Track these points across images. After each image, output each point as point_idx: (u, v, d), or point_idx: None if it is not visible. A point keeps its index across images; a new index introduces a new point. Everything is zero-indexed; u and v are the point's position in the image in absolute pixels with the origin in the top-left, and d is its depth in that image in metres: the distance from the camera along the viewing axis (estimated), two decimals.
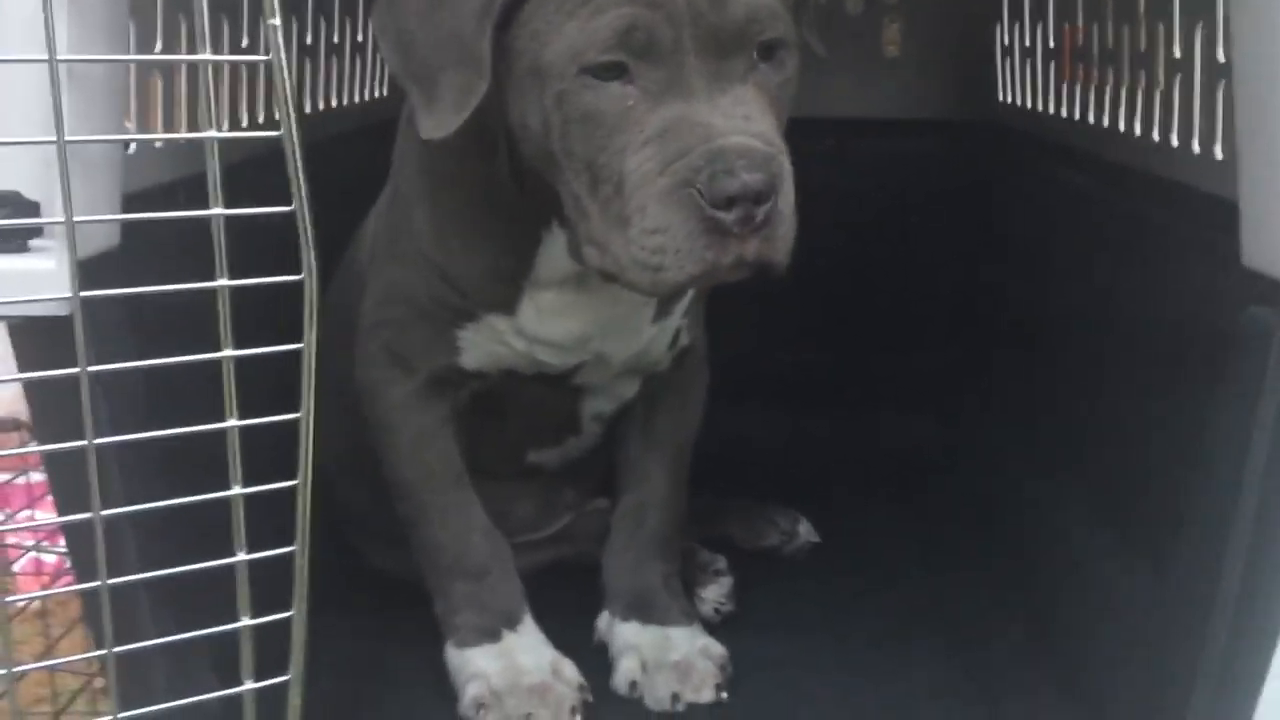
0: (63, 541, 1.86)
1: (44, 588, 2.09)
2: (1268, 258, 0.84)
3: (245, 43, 1.31)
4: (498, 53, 1.00)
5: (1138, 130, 1.26)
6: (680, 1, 0.96)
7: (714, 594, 1.36)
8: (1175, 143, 1.15)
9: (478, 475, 1.26)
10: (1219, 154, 1.04)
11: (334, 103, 1.66)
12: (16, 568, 2.21)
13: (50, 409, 0.86)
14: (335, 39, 1.65)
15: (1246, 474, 0.80)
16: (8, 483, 1.82)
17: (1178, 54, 1.15)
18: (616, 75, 0.97)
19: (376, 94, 1.82)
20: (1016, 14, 1.72)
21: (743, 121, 0.96)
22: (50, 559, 2.14)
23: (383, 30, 1.05)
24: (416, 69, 1.03)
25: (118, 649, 0.80)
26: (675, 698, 1.18)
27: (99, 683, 1.58)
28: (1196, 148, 1.09)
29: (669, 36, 0.96)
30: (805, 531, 1.55)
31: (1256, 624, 0.83)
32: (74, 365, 0.77)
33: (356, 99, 1.74)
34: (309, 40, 1.56)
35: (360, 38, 1.74)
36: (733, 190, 0.93)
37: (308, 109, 1.57)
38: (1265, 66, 0.83)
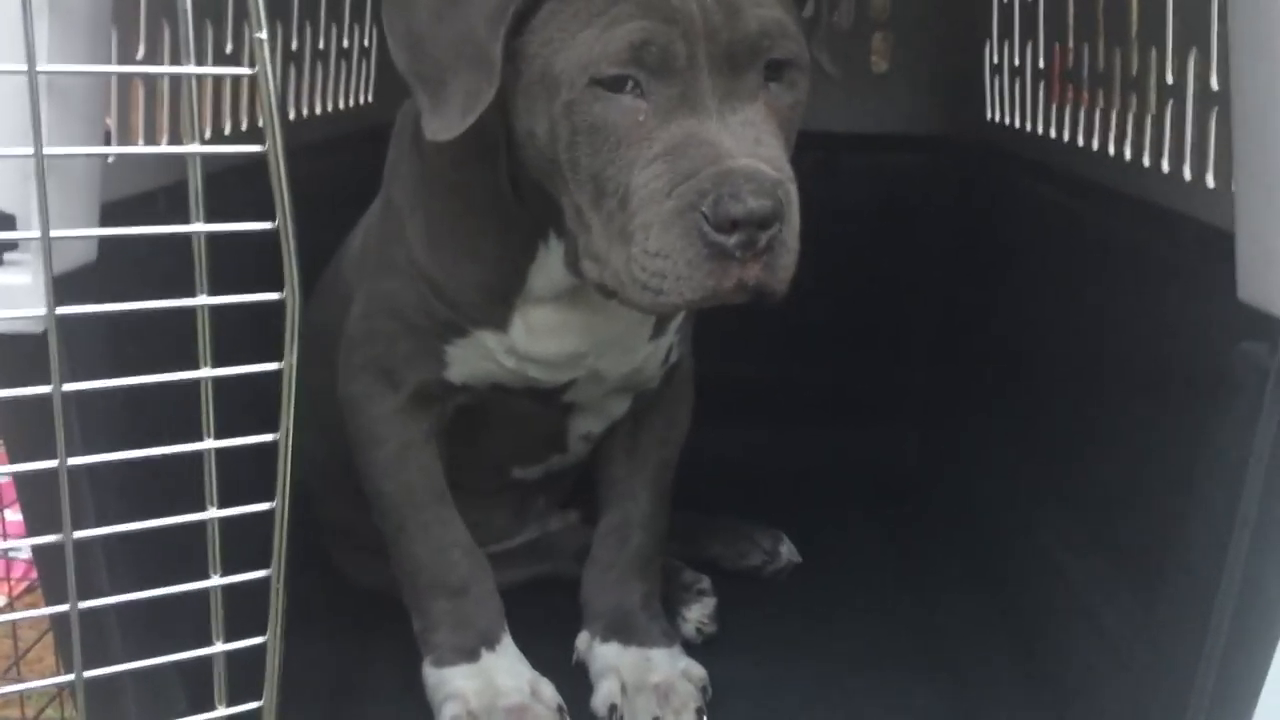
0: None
1: (11, 591, 2.05)
2: (1264, 292, 0.83)
3: (230, 48, 1.29)
4: (507, 57, 0.99)
5: (1128, 154, 1.25)
6: (696, 17, 0.95)
7: (697, 614, 1.35)
8: (1166, 169, 1.14)
9: (457, 489, 1.25)
10: (1210, 182, 1.04)
11: (319, 109, 1.64)
12: None
13: (22, 426, 0.84)
14: (321, 45, 1.64)
15: (1240, 508, 0.80)
16: None
17: (1170, 79, 1.15)
18: (628, 88, 0.96)
19: (363, 100, 1.80)
20: (1006, 33, 1.71)
21: (752, 144, 0.95)
22: (23, 557, 2.11)
23: (392, 28, 1.03)
24: (425, 69, 1.01)
25: (87, 674, 0.78)
26: None
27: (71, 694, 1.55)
28: (1188, 174, 1.09)
29: (683, 52, 0.95)
30: (787, 552, 1.54)
31: (1248, 656, 0.83)
32: (48, 382, 0.75)
33: (343, 105, 1.72)
34: (294, 47, 1.55)
35: (346, 44, 1.73)
36: (738, 214, 0.92)
37: (292, 115, 1.55)
38: (1264, 96, 0.82)
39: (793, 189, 0.96)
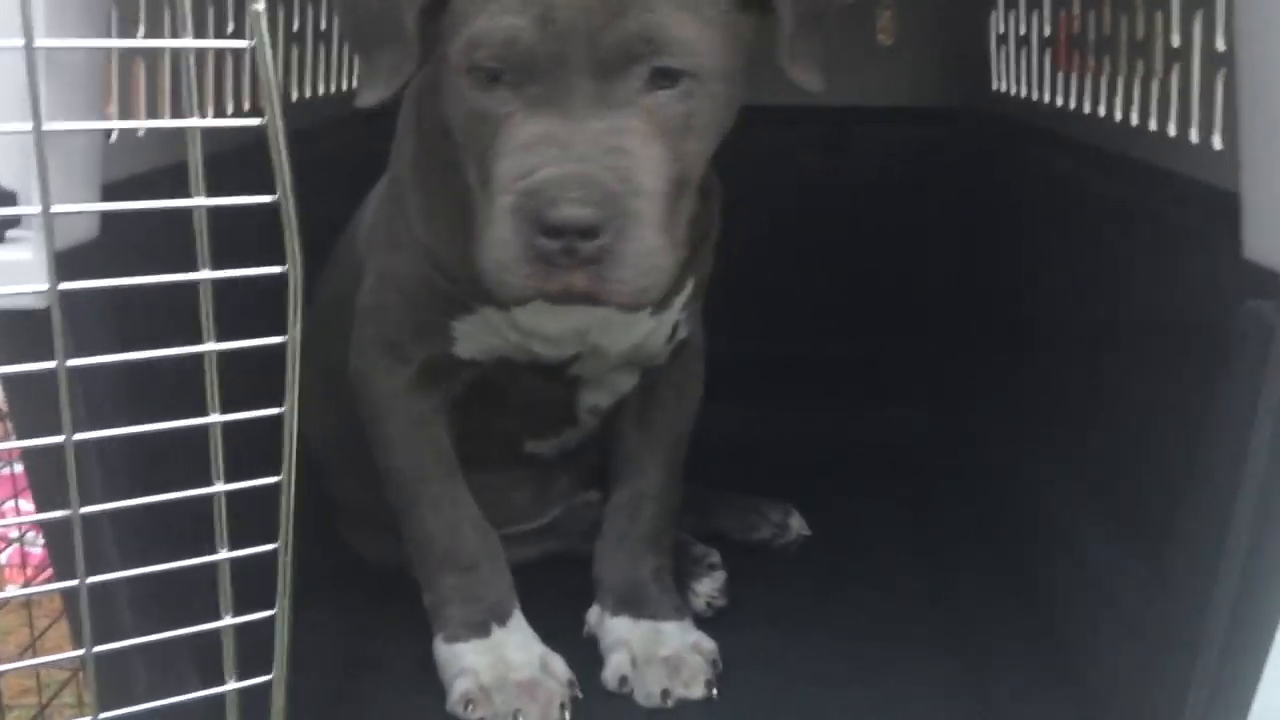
0: None
1: (29, 580, 2.07)
2: (1270, 250, 0.82)
3: (231, 29, 1.29)
4: (436, 37, 1.01)
5: (1134, 119, 1.24)
6: (576, 15, 0.94)
7: (707, 588, 1.35)
8: (1173, 132, 1.13)
9: (474, 465, 1.25)
10: (1217, 144, 1.03)
11: (321, 90, 1.63)
12: (2, 559, 2.19)
13: (28, 403, 0.85)
14: (323, 25, 1.63)
15: (1247, 466, 0.79)
16: None
17: (1176, 43, 1.14)
18: (503, 79, 0.97)
19: None
20: (1011, 2, 1.70)
21: (605, 151, 0.94)
22: (36, 550, 2.13)
23: None
24: (358, 40, 1.07)
25: (97, 649, 0.79)
26: (666, 693, 1.17)
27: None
28: (1195, 137, 1.08)
29: (550, 52, 0.95)
30: (797, 525, 1.54)
31: (1255, 616, 0.82)
32: (52, 359, 0.76)
33: (345, 86, 1.72)
34: (295, 27, 1.54)
35: None
36: (555, 221, 0.92)
37: (294, 96, 1.55)
38: (1268, 56, 0.81)
39: (641, 203, 0.95)
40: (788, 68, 1.04)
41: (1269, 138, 0.80)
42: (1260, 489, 0.80)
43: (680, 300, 1.23)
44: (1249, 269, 0.85)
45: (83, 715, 0.82)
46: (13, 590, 1.51)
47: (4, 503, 1.86)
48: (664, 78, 0.97)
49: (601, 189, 0.93)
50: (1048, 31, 1.56)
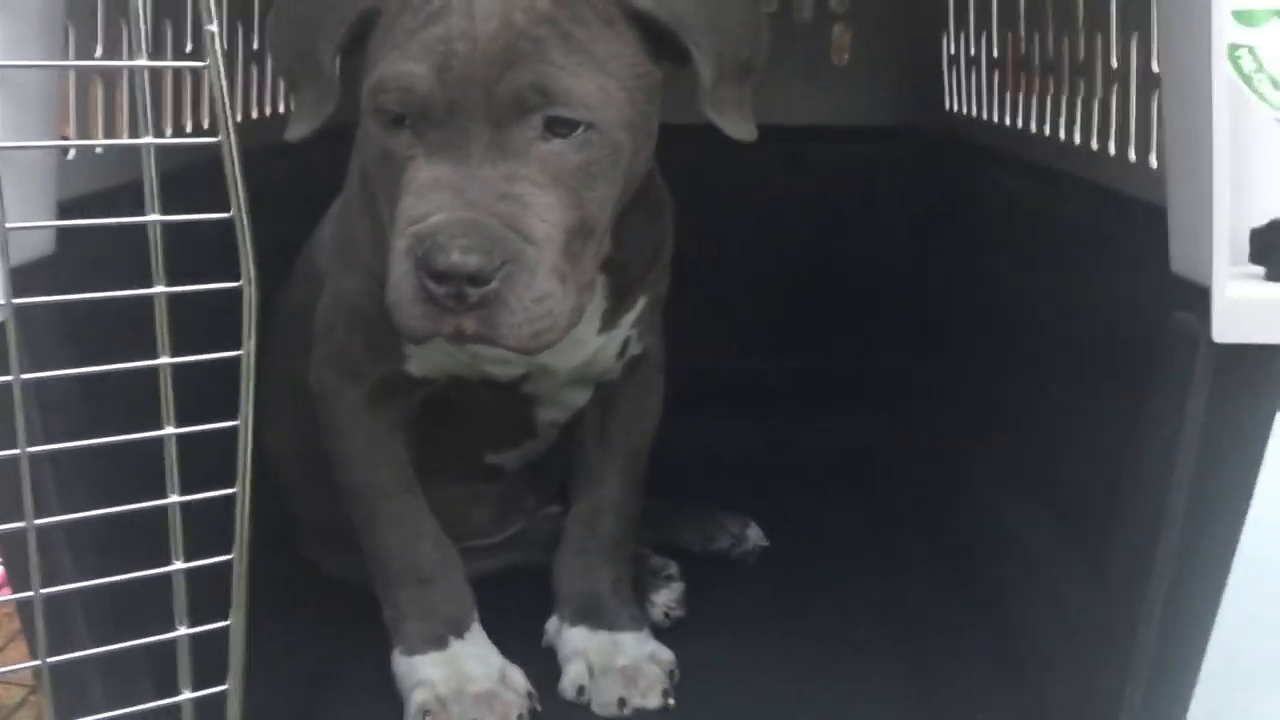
0: None
1: None
2: (1192, 265, 0.85)
3: (190, 48, 1.30)
4: (357, 74, 1.04)
5: (1077, 138, 1.28)
6: (474, 66, 0.96)
7: (665, 599, 1.37)
8: (1113, 151, 1.17)
9: (435, 477, 1.27)
10: (1153, 162, 1.06)
11: (281, 108, 1.65)
12: None
13: None
14: None
15: (1177, 469, 0.82)
16: None
17: (1114, 64, 1.17)
18: (406, 123, 0.99)
19: None
20: (962, 23, 1.74)
21: (496, 198, 0.96)
22: None
23: (270, 35, 1.12)
24: (286, 76, 1.10)
25: (51, 659, 0.80)
26: (622, 702, 1.18)
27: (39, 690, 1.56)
28: (1133, 155, 1.11)
29: (446, 99, 0.97)
30: (755, 535, 1.55)
31: (1190, 613, 0.85)
32: (6, 373, 0.76)
33: None
34: (255, 46, 1.56)
35: None
36: (441, 267, 0.94)
37: (254, 114, 1.56)
38: (1187, 75, 0.84)
39: (529, 250, 0.96)
40: (714, 118, 1.05)
41: (1189, 154, 0.83)
42: (1189, 492, 0.82)
43: (630, 318, 1.25)
44: (1175, 282, 0.88)
45: None
46: None
47: None
48: (560, 126, 0.99)
49: (489, 236, 0.95)
50: (996, 53, 1.59)
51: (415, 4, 0.99)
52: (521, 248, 0.96)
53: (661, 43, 1.04)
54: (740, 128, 1.06)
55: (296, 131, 1.07)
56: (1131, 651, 0.84)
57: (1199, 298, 0.82)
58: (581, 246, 1.02)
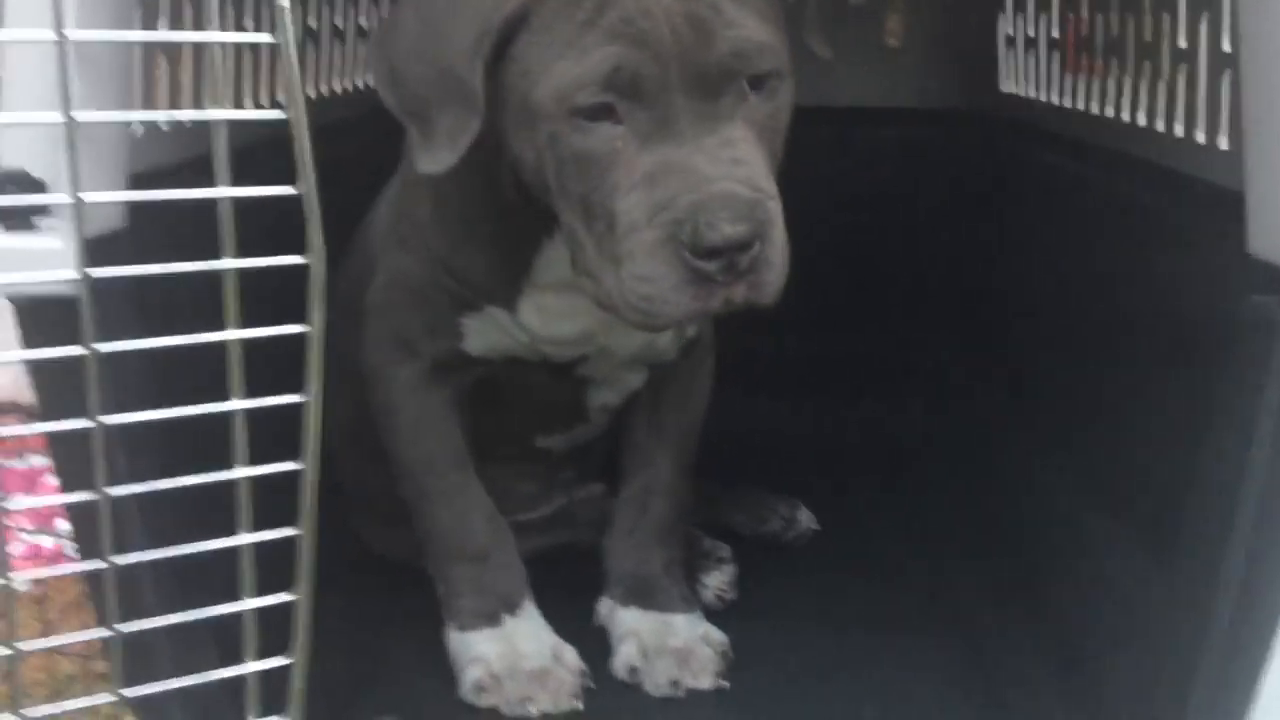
0: (59, 525, 1.86)
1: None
2: (1272, 246, 0.84)
3: (250, 25, 1.30)
4: (492, 86, 1.00)
5: (1141, 121, 1.26)
6: (668, 40, 0.96)
7: (716, 581, 1.37)
8: (1180, 133, 1.15)
9: (483, 458, 1.27)
10: (1224, 144, 1.04)
11: (337, 88, 1.65)
12: (15, 552, 2.20)
13: (55, 389, 0.86)
14: (339, 23, 1.65)
15: (1251, 460, 0.80)
16: (5, 467, 1.82)
17: (1182, 44, 1.15)
18: (605, 116, 0.97)
19: None
20: (1020, 4, 1.71)
21: (729, 165, 0.96)
22: (49, 543, 2.14)
23: (376, 69, 1.05)
24: (411, 105, 1.03)
25: (122, 627, 0.80)
26: (675, 684, 1.19)
27: (97, 666, 1.58)
28: (1201, 138, 1.09)
29: (655, 76, 0.96)
30: (805, 519, 1.55)
31: (1258, 611, 0.83)
32: (79, 345, 0.77)
33: (360, 84, 1.73)
34: (313, 24, 1.56)
35: (364, 23, 1.74)
36: (715, 243, 0.94)
37: (311, 93, 1.56)
38: (1271, 57, 0.83)
39: (773, 205, 0.98)
40: (813, 39, 1.10)
41: (1273, 135, 0.82)
42: (1264, 482, 0.81)
43: None
44: (1253, 265, 0.86)
45: (95, 700, 0.83)
46: (40, 571, 1.52)
47: (17, 496, 1.88)
48: (754, 82, 1.00)
49: (745, 202, 0.95)
50: (1056, 33, 1.57)
51: None
52: (767, 205, 0.97)
53: None
54: (825, 47, 1.12)
55: (436, 163, 1.02)
56: (1200, 649, 0.82)
57: (1278, 279, 0.80)
58: None
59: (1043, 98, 1.60)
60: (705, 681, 1.19)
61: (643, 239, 0.96)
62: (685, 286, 0.96)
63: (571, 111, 0.97)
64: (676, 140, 0.96)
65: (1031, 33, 1.66)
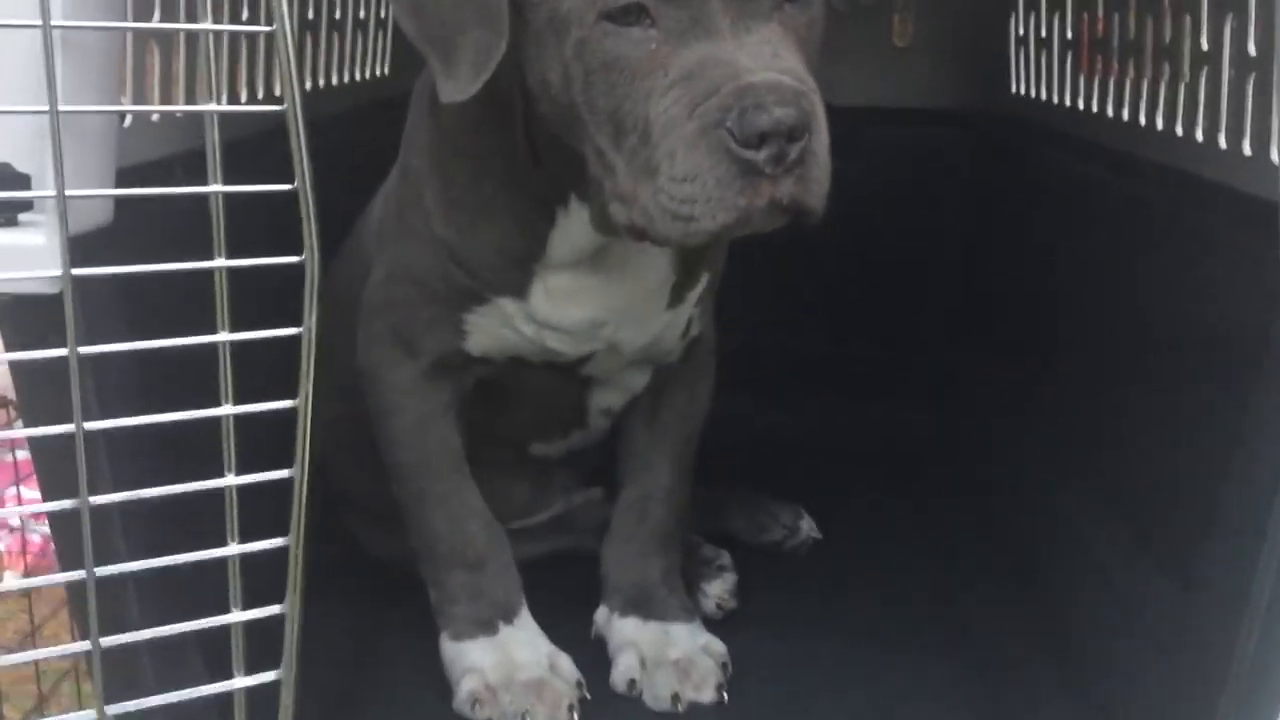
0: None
1: (28, 566, 2.06)
2: None
3: (245, 16, 1.27)
4: (513, 8, 0.97)
5: (1159, 124, 1.23)
6: None
7: (717, 590, 1.34)
8: (1200, 138, 1.12)
9: (477, 464, 1.24)
10: (1247, 150, 1.01)
11: (335, 80, 1.62)
12: (2, 546, 2.18)
13: (37, 390, 0.83)
14: (337, 15, 1.62)
15: None
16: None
17: (1205, 46, 1.12)
18: (637, 19, 0.94)
19: (379, 72, 1.78)
20: (1033, 4, 1.69)
21: (771, 59, 0.92)
22: (36, 537, 2.12)
23: None
24: (432, 32, 0.99)
25: (104, 641, 0.77)
26: (675, 697, 1.16)
27: (86, 667, 1.56)
28: (1224, 143, 1.06)
29: None
30: (807, 527, 1.53)
31: None
32: (63, 345, 0.74)
33: (359, 77, 1.71)
34: (310, 15, 1.53)
35: (363, 14, 1.71)
36: (765, 126, 0.88)
37: (309, 85, 1.53)
38: None
39: (818, 100, 0.93)
40: None
41: None
42: None
43: (694, 294, 1.22)
44: None
45: (82, 708, 0.80)
46: (17, 581, 1.49)
47: (4, 490, 1.85)
48: None
49: (792, 89, 0.90)
50: (1070, 34, 1.54)
51: None
52: (813, 98, 0.92)
53: None
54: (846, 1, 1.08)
55: (459, 90, 0.98)
56: (1224, 677, 0.80)
57: None
58: None
59: (1055, 99, 1.57)
60: (706, 694, 1.17)
61: (684, 133, 0.91)
62: (731, 180, 0.90)
63: (602, 14, 0.94)
64: (714, 38, 0.92)
65: (1044, 33, 1.63)
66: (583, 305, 1.15)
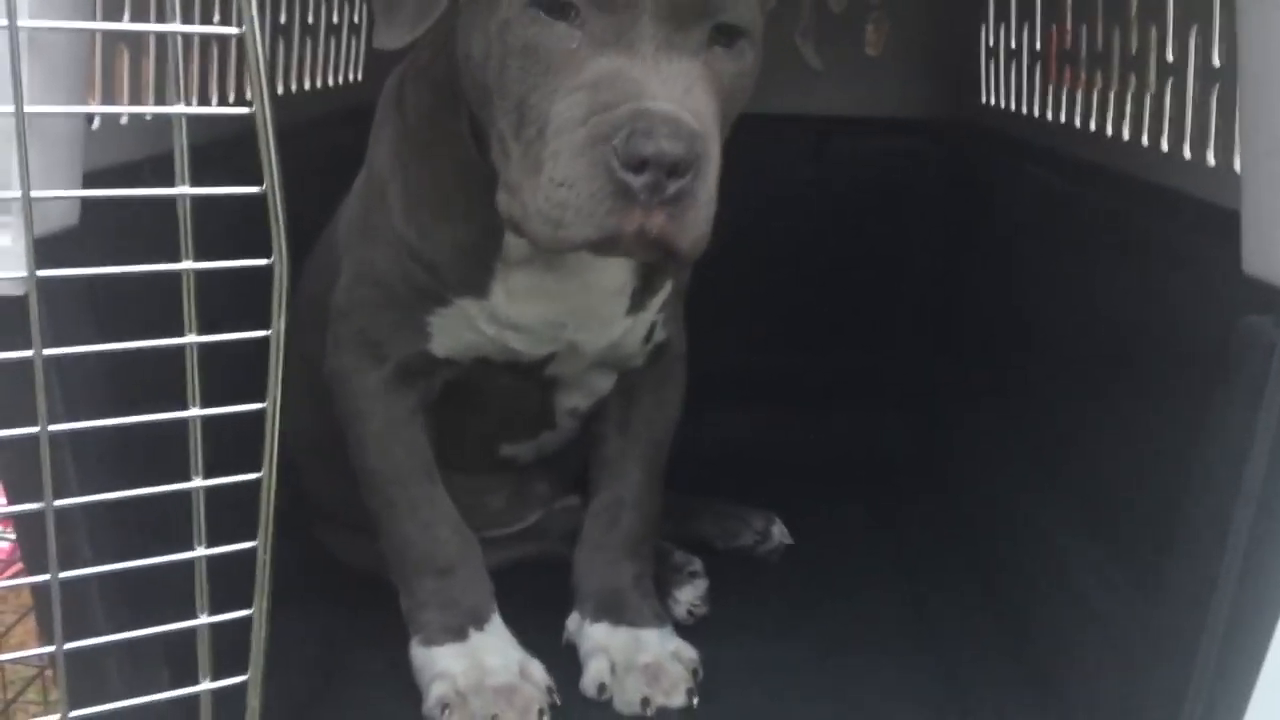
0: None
1: None
2: (1267, 265, 0.82)
3: (216, 19, 1.26)
4: None
5: (1126, 135, 1.24)
6: None
7: (688, 596, 1.34)
8: (1165, 148, 1.13)
9: (449, 468, 1.24)
10: (1211, 160, 1.03)
11: (307, 85, 1.61)
12: None
13: (2, 392, 0.82)
14: (309, 20, 1.61)
15: (1243, 489, 0.78)
16: None
17: (1170, 57, 1.14)
18: (566, 15, 0.94)
19: (351, 78, 1.78)
20: (1003, 15, 1.70)
21: (681, 93, 0.92)
22: (4, 544, 2.09)
23: None
24: None
25: (68, 645, 0.77)
26: (645, 701, 1.16)
27: (53, 672, 1.54)
28: (1188, 153, 1.08)
29: None
30: (779, 533, 1.53)
31: (1249, 635, 0.81)
32: (29, 347, 0.73)
33: (330, 82, 1.70)
34: (283, 20, 1.52)
35: (336, 19, 1.71)
36: (648, 153, 0.89)
37: (280, 90, 1.53)
38: (1270, 71, 0.81)
39: (713, 147, 0.93)
40: (805, 47, 1.08)
41: (1270, 152, 0.80)
42: (1258, 505, 0.79)
43: (656, 302, 1.22)
44: (1247, 284, 0.85)
45: (48, 714, 0.79)
46: None
47: None
48: (723, 35, 0.96)
49: (687, 128, 0.90)
50: (1039, 45, 1.56)
51: None
52: (708, 143, 0.92)
53: None
54: (815, 58, 1.09)
55: (392, 39, 0.99)
56: (1190, 673, 0.80)
57: (1273, 299, 0.78)
58: None
59: (1024, 110, 1.59)
60: (676, 699, 1.17)
61: (572, 139, 0.91)
62: (604, 198, 0.90)
63: (532, 3, 0.94)
64: (633, 56, 0.92)
65: (1013, 44, 1.65)
66: (541, 304, 1.15)
